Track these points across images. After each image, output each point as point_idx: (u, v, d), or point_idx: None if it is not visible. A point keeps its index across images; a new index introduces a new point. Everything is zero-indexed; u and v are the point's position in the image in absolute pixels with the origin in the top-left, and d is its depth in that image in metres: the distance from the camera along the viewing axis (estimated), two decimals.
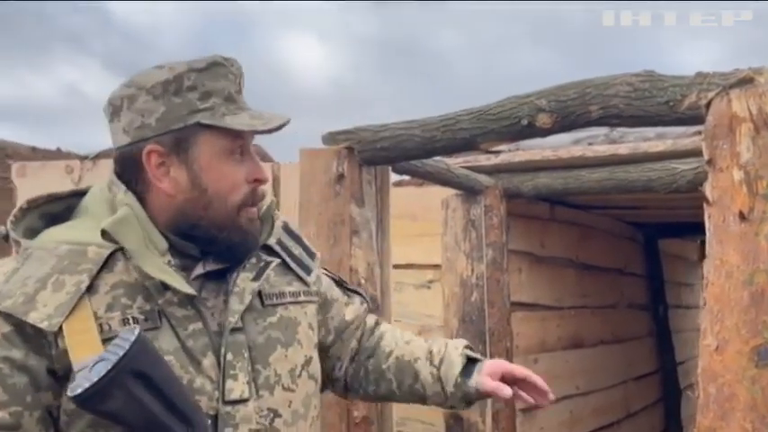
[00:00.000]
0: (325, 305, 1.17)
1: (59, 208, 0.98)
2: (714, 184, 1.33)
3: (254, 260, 1.01)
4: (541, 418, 3.21)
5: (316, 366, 1.08)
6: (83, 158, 2.32)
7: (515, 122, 1.69)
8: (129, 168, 0.95)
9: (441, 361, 1.19)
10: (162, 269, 0.90)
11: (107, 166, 2.46)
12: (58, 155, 2.38)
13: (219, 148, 0.94)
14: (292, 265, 1.08)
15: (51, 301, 0.84)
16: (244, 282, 0.98)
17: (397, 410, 2.31)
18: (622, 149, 2.61)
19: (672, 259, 5.10)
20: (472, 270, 2.78)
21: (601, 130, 2.73)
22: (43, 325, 0.83)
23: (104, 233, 0.89)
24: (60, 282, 0.86)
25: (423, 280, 3.12)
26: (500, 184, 2.84)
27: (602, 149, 2.66)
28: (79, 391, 0.76)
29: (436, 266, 2.95)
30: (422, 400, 1.22)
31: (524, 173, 2.87)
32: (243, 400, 0.93)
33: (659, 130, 2.53)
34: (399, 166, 2.23)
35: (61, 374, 0.85)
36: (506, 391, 1.16)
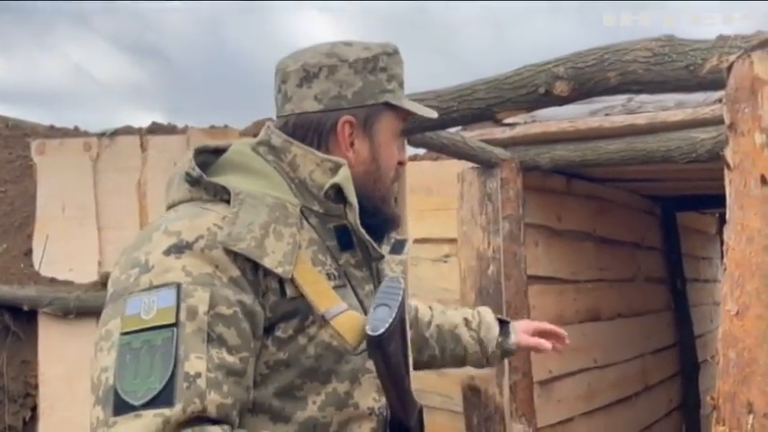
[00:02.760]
0: None
1: (197, 162, 0.97)
2: (735, 149, 1.31)
3: None
4: (559, 391, 3.23)
5: None
6: (100, 136, 2.34)
7: (532, 91, 1.67)
8: (313, 133, 0.98)
9: (478, 325, 1.36)
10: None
11: (124, 142, 2.49)
12: (75, 133, 2.40)
13: (393, 128, 1.02)
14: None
15: (278, 249, 0.86)
16: (386, 253, 1.06)
17: (414, 383, 2.33)
18: (640, 119, 2.57)
19: (690, 232, 5.06)
20: (488, 243, 2.78)
21: (618, 100, 2.69)
22: (278, 270, 0.84)
23: (333, 186, 0.93)
24: (279, 232, 0.87)
25: (439, 254, 3.12)
26: (516, 157, 2.82)
27: (620, 120, 2.63)
28: (381, 330, 0.79)
29: (452, 240, 2.95)
30: (461, 362, 1.38)
31: (541, 145, 2.85)
32: None
33: (678, 98, 2.49)
34: (415, 139, 2.22)
35: (267, 325, 0.86)
36: (546, 344, 1.39)
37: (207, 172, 0.94)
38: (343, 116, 0.97)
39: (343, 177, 0.93)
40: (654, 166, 2.75)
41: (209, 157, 0.98)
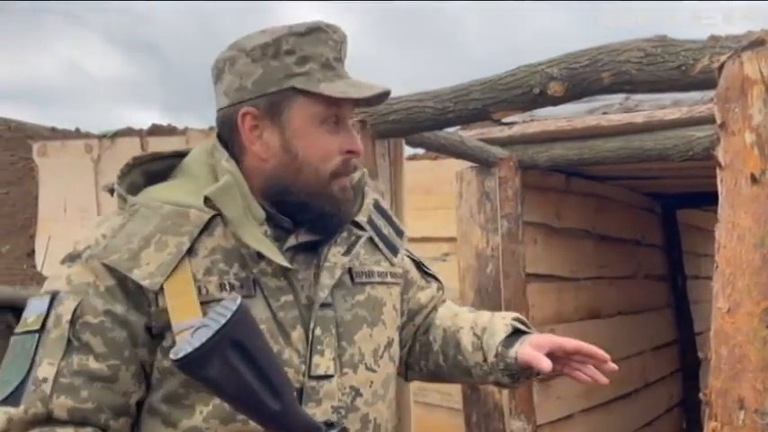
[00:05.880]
0: (404, 286, 1.14)
1: (160, 167, 0.98)
2: (726, 148, 1.33)
3: (344, 234, 0.99)
4: (558, 388, 3.24)
5: (396, 349, 1.06)
6: (101, 137, 2.36)
7: (527, 91, 1.69)
8: (226, 130, 0.96)
9: (483, 330, 1.10)
10: (259, 239, 0.89)
11: (125, 144, 2.51)
12: (77, 135, 2.42)
13: (312, 114, 0.92)
14: (380, 245, 1.06)
15: (154, 260, 0.85)
16: (335, 256, 0.96)
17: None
18: (638, 118, 2.59)
19: (690, 230, 5.06)
20: (487, 242, 2.80)
21: (615, 99, 2.71)
22: (145, 283, 0.84)
23: (207, 200, 0.89)
24: (163, 242, 0.86)
25: (438, 253, 3.14)
26: (514, 156, 2.84)
27: (617, 118, 2.64)
28: (181, 355, 0.74)
29: (451, 239, 2.97)
30: (467, 373, 1.12)
31: (539, 144, 2.86)
32: (328, 376, 0.92)
33: (675, 97, 2.50)
34: (412, 139, 2.24)
35: (156, 333, 0.86)
36: (545, 363, 1.02)
37: (169, 176, 0.97)
38: (243, 108, 0.92)
39: (215, 190, 0.88)
40: (651, 164, 2.76)
41: (176, 160, 0.99)
